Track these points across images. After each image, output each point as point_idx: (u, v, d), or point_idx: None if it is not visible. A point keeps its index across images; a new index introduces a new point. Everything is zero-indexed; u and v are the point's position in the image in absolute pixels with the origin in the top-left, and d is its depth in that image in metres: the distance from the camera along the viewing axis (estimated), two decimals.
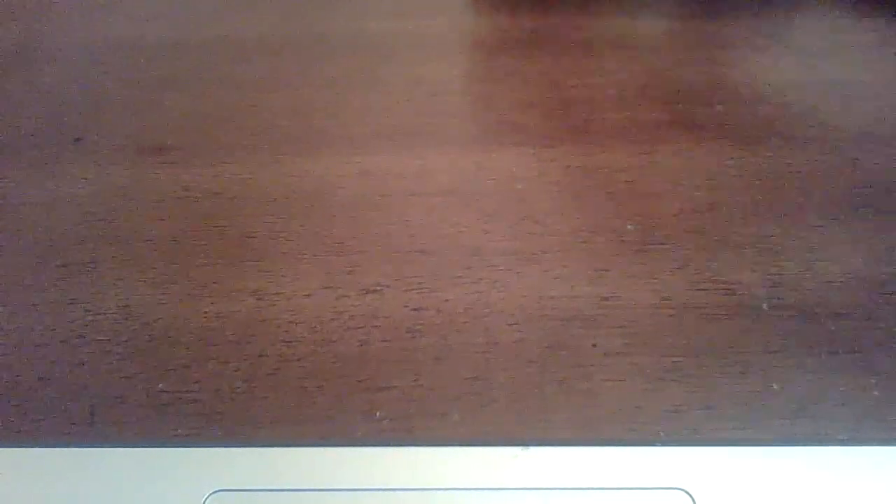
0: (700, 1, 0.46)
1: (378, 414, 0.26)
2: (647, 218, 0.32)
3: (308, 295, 0.30)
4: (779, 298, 0.29)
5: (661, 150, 0.35)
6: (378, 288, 0.30)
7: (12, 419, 0.26)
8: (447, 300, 0.29)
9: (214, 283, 0.30)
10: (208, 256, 0.31)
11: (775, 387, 0.27)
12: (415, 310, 0.29)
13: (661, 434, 0.25)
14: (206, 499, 0.24)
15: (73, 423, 0.26)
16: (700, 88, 0.39)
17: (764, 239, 0.32)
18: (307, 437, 0.26)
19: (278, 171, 0.35)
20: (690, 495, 0.24)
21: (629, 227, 0.32)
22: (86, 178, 0.35)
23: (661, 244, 0.31)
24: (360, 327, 0.29)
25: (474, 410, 0.26)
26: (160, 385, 0.27)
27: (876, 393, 0.26)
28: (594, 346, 0.28)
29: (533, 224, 0.32)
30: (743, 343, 0.28)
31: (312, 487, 0.24)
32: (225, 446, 0.25)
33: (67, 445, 0.25)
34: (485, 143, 0.36)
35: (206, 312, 0.29)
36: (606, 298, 0.29)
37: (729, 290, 0.30)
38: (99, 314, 0.29)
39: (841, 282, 0.30)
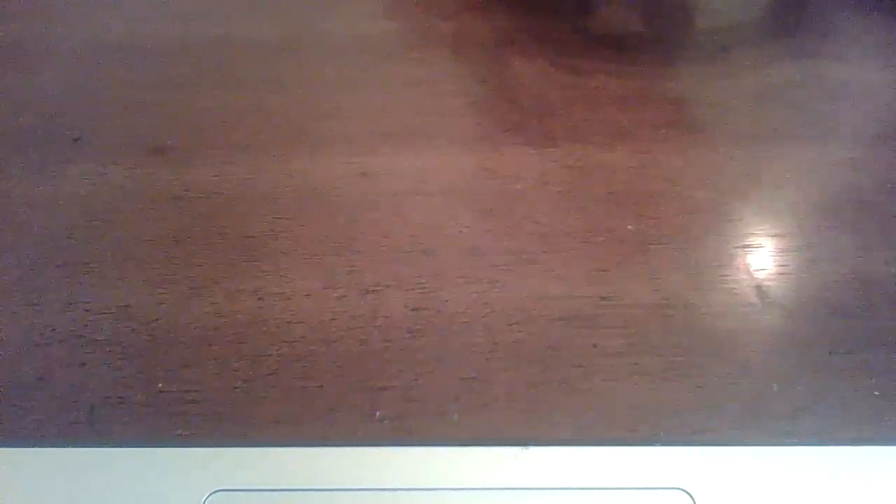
0: (700, 2, 0.46)
1: (378, 414, 0.26)
2: (647, 218, 0.32)
3: (308, 295, 0.30)
4: (779, 298, 0.29)
5: (661, 150, 0.35)
6: (378, 288, 0.30)
7: (12, 419, 0.26)
8: (447, 300, 0.29)
9: (214, 283, 0.30)
10: (208, 256, 0.31)
11: (775, 387, 0.27)
12: (415, 310, 0.29)
13: (661, 434, 0.25)
14: (206, 499, 0.24)
15: (73, 423, 0.26)
16: (699, 88, 0.39)
17: (764, 239, 0.32)
18: (307, 437, 0.26)
19: (278, 171, 0.35)
20: (690, 495, 0.24)
21: (629, 227, 0.32)
22: (86, 178, 0.35)
23: (661, 244, 0.31)
24: (360, 327, 0.29)
25: (474, 410, 0.26)
26: (160, 385, 0.27)
27: (876, 393, 0.26)
28: (594, 346, 0.28)
29: (533, 224, 0.32)
30: (743, 343, 0.28)
31: (312, 487, 0.24)
32: (225, 446, 0.25)
33: (67, 445, 0.25)
34: (485, 143, 0.36)
35: (206, 312, 0.29)
36: (606, 298, 0.29)
37: (729, 290, 0.30)
38: (99, 314, 0.29)
39: (841, 282, 0.30)
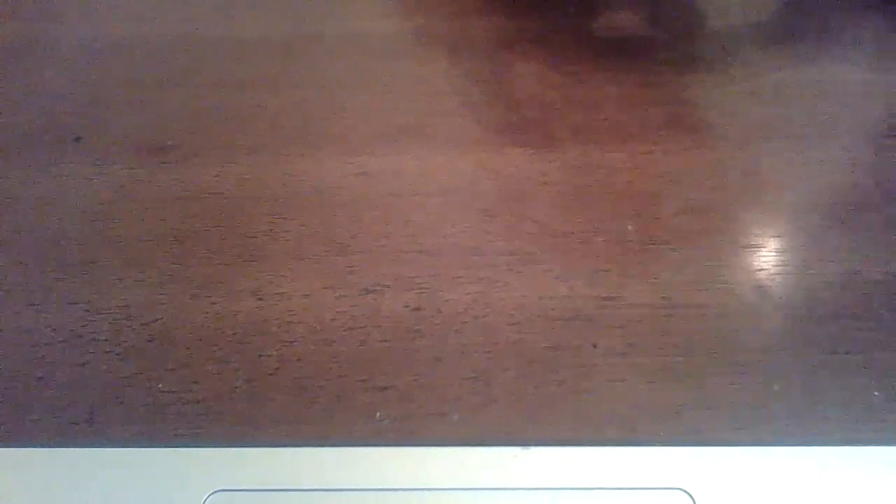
0: (700, 2, 0.46)
1: (378, 414, 0.26)
2: (647, 218, 0.32)
3: (308, 295, 0.30)
4: (779, 298, 0.29)
5: (661, 150, 0.35)
6: (378, 288, 0.30)
7: (12, 419, 0.26)
8: (447, 300, 0.29)
9: (214, 283, 0.30)
10: (208, 256, 0.31)
11: (775, 387, 0.27)
12: (415, 310, 0.29)
13: (661, 434, 0.25)
14: (206, 499, 0.24)
15: (73, 423, 0.26)
16: (700, 89, 0.39)
17: (764, 239, 0.32)
18: (307, 437, 0.26)
19: (278, 171, 0.35)
20: (690, 495, 0.24)
21: (629, 227, 0.32)
22: (86, 178, 0.35)
23: (661, 244, 0.31)
24: (360, 327, 0.29)
25: (474, 410, 0.26)
26: (160, 385, 0.27)
27: (876, 393, 0.26)
28: (594, 346, 0.28)
29: (533, 224, 0.32)
30: (743, 343, 0.28)
31: (312, 487, 0.24)
32: (225, 446, 0.25)
33: (67, 445, 0.25)
34: (485, 143, 0.36)
35: (206, 312, 0.29)
36: (606, 298, 0.29)
37: (729, 290, 0.30)
38: (99, 314, 0.29)
39: (841, 282, 0.30)
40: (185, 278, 0.30)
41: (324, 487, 0.24)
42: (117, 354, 0.28)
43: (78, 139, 0.37)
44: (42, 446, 0.26)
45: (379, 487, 0.24)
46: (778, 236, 0.32)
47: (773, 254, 0.31)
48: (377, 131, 0.37)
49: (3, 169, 0.35)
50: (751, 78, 0.39)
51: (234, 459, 0.25)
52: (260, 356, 0.28)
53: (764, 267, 0.30)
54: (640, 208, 0.33)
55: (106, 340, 0.28)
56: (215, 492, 0.24)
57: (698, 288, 0.30)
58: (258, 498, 0.24)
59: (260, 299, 0.30)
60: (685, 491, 0.24)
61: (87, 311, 0.29)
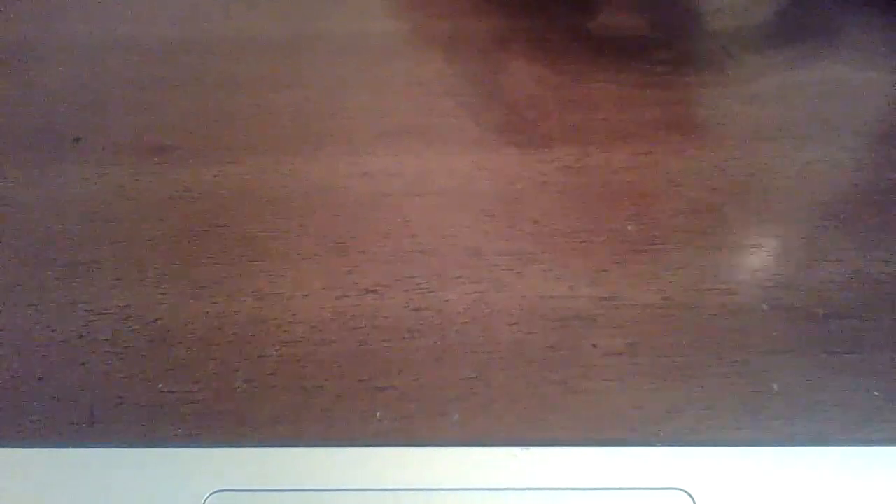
0: (700, 2, 0.46)
1: (378, 414, 0.26)
2: (647, 218, 0.32)
3: (308, 295, 0.30)
4: (779, 298, 0.29)
5: (661, 150, 0.35)
6: (378, 288, 0.30)
7: (12, 419, 0.26)
8: (447, 300, 0.29)
9: (214, 283, 0.30)
10: (208, 256, 0.31)
11: (775, 387, 0.27)
12: (415, 310, 0.29)
13: (661, 434, 0.25)
14: (206, 499, 0.24)
15: (73, 423, 0.26)
16: (699, 89, 0.39)
17: (764, 239, 0.32)
18: (307, 437, 0.26)
19: (278, 171, 0.35)
20: (690, 495, 0.24)
21: (629, 227, 0.32)
22: (86, 178, 0.35)
23: (661, 244, 0.31)
24: (360, 327, 0.29)
25: (474, 410, 0.26)
26: (160, 385, 0.27)
27: (876, 393, 0.26)
28: (594, 346, 0.28)
29: (533, 224, 0.32)
30: (743, 343, 0.28)
31: (312, 487, 0.24)
32: (225, 446, 0.25)
33: (67, 445, 0.25)
34: (485, 143, 0.36)
35: (206, 312, 0.29)
36: (606, 298, 0.29)
37: (729, 290, 0.30)
38: (99, 314, 0.29)
39: (841, 282, 0.30)
40: (185, 278, 0.30)
41: (324, 488, 0.24)
42: (117, 354, 0.28)
43: (78, 139, 0.37)
44: (42, 446, 0.26)
45: (379, 487, 0.24)
46: (778, 236, 0.32)
47: (773, 254, 0.31)
48: (377, 131, 0.37)
49: (4, 169, 0.35)
50: (751, 78, 0.39)
51: (234, 459, 0.25)
52: (260, 356, 0.28)
53: (764, 267, 0.30)
54: (640, 208, 0.33)
55: (106, 340, 0.28)
56: (215, 492, 0.24)
57: (698, 288, 0.30)
58: (258, 498, 0.24)
59: (260, 299, 0.30)
60: (685, 491, 0.24)
61: (87, 311, 0.29)
